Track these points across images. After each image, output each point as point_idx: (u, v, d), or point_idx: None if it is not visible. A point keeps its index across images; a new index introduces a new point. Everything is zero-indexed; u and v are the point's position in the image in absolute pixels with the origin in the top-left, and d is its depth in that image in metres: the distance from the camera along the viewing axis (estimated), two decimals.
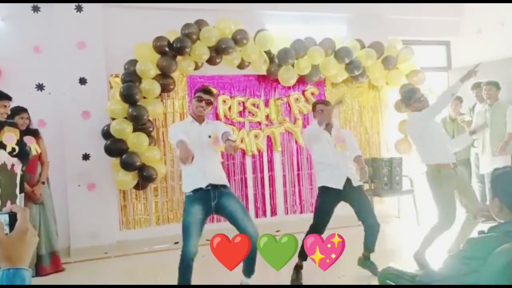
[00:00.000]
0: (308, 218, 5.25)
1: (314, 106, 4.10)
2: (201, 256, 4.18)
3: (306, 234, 3.64)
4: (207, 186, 3.38)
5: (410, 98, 4.22)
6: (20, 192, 3.76)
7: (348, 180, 3.83)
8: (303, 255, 3.75)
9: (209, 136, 3.42)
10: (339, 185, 3.81)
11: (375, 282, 4.14)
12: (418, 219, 5.88)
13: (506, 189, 1.98)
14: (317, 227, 3.76)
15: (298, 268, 3.94)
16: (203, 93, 3.50)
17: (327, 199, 3.86)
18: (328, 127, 3.97)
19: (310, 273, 3.99)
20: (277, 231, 5.73)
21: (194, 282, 3.46)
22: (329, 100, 4.88)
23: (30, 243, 1.13)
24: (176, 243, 5.47)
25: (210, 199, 3.38)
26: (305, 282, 4.08)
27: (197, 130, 3.48)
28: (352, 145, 4.09)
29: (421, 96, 4.21)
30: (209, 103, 3.51)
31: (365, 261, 4.02)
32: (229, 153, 2.97)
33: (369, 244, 3.93)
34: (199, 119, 3.54)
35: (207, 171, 3.41)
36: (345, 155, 3.97)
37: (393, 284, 2.30)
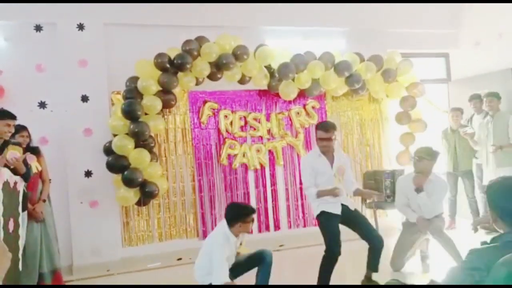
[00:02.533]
0: (311, 232, 5.25)
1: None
2: None
3: (324, 260, 3.75)
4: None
5: None
6: (23, 210, 3.76)
7: (344, 206, 3.89)
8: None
9: None
10: (338, 211, 3.86)
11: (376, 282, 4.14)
12: None
13: (497, 200, 1.98)
14: (333, 250, 3.74)
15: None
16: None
17: (330, 221, 3.82)
18: (329, 155, 3.94)
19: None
20: (281, 245, 5.72)
21: None
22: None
23: (2, 260, 1.10)
24: (179, 259, 5.44)
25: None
26: (303, 282, 4.12)
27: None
28: (349, 177, 4.06)
29: None
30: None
31: (368, 282, 4.02)
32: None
33: (373, 264, 3.93)
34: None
35: None
36: (341, 185, 3.89)
37: None
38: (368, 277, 4.03)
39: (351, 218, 3.91)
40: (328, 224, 3.82)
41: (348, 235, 4.53)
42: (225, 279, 3.33)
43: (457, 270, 1.97)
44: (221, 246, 3.46)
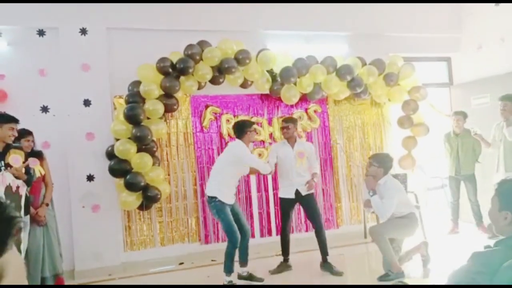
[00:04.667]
0: (313, 236, 5.23)
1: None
2: (206, 276, 4.14)
3: (282, 234, 4.92)
4: None
5: None
6: (25, 214, 3.76)
7: (297, 190, 4.79)
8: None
9: None
10: (292, 195, 4.81)
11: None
12: (424, 235, 5.81)
13: None
14: (283, 228, 4.93)
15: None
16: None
17: (284, 206, 4.91)
18: (291, 141, 4.90)
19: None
20: None
21: None
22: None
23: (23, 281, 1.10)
24: (181, 263, 5.43)
25: None
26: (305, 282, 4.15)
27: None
28: (313, 161, 4.93)
29: None
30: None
31: (324, 264, 4.79)
32: None
33: (321, 246, 4.79)
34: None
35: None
36: (302, 169, 4.82)
37: None
38: (323, 259, 4.80)
39: (303, 202, 4.88)
40: (281, 208, 4.97)
41: (354, 239, 4.54)
42: (265, 166, 4.64)
43: (459, 274, 1.95)
44: (244, 147, 4.51)
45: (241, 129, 4.58)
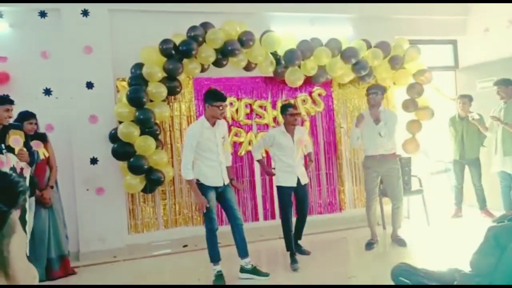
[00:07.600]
0: (317, 219, 5.26)
1: None
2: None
3: (284, 226, 4.61)
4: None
5: None
6: (30, 196, 3.78)
7: (298, 179, 4.63)
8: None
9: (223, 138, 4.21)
10: (294, 183, 4.62)
11: (383, 282, 4.15)
12: (428, 219, 5.82)
13: None
14: (287, 217, 4.62)
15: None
16: (223, 101, 4.09)
17: (285, 196, 4.65)
18: (291, 129, 4.62)
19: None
20: None
21: None
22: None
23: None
24: (185, 246, 5.47)
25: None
26: (307, 281, 4.13)
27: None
28: (307, 143, 4.90)
29: None
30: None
31: (296, 246, 4.77)
32: None
33: (299, 231, 4.89)
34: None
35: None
36: (301, 156, 4.75)
37: (407, 282, 2.26)
38: (295, 242, 4.76)
39: (299, 190, 4.72)
40: (283, 197, 4.70)
41: (357, 223, 4.50)
42: (185, 171, 3.99)
43: (478, 256, 1.94)
44: (191, 131, 4.07)
45: (204, 100, 4.18)
